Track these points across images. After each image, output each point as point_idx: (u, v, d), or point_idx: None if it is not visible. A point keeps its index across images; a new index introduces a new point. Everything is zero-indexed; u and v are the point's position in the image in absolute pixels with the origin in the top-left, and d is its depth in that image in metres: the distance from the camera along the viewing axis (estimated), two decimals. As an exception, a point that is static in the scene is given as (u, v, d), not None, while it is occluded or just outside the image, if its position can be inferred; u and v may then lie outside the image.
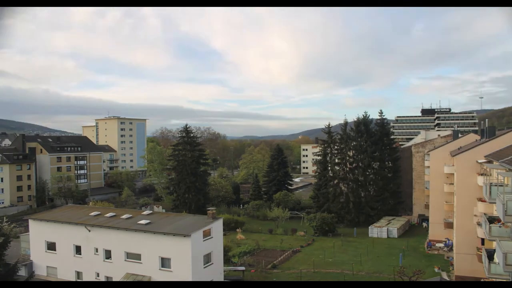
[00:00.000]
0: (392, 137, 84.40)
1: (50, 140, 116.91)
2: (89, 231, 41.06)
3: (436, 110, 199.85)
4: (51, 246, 44.21)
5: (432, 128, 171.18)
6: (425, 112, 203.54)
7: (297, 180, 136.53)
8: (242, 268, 45.68)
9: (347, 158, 78.86)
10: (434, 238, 57.98)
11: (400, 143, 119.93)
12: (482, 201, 36.20)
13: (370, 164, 76.63)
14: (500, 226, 28.45)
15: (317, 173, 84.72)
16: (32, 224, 46.37)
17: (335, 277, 44.04)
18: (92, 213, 44.99)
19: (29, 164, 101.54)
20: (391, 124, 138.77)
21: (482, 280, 32.91)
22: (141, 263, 37.94)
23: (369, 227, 66.57)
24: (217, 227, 39.67)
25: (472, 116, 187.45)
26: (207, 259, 37.91)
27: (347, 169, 78.50)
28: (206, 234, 37.80)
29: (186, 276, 35.36)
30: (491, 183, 31.10)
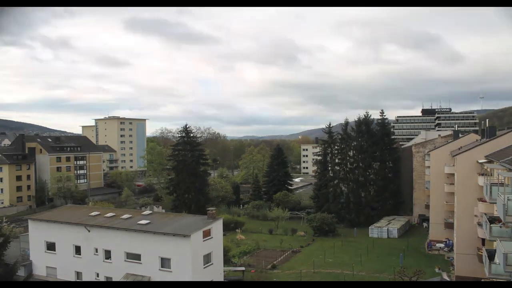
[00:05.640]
0: (392, 137, 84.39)
1: (50, 140, 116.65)
2: (89, 231, 40.98)
3: (436, 110, 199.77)
4: (51, 246, 44.10)
5: (432, 128, 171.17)
6: (425, 112, 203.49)
7: (297, 180, 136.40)
8: (242, 268, 45.59)
9: (348, 158, 78.75)
10: (435, 238, 57.91)
11: (400, 143, 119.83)
12: (482, 201, 36.17)
13: (370, 164, 76.56)
14: (500, 226, 28.37)
15: (317, 173, 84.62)
16: (32, 224, 46.33)
17: (335, 277, 43.97)
18: (92, 213, 44.90)
19: (29, 164, 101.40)
20: (392, 124, 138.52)
21: (482, 280, 32.81)
22: (141, 263, 37.86)
23: (369, 227, 66.50)
24: (217, 227, 39.60)
25: (473, 116, 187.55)
26: (207, 259, 37.82)
27: (348, 169, 78.39)
28: (206, 234, 37.72)
29: (186, 276, 35.28)
30: (491, 183, 31.04)
